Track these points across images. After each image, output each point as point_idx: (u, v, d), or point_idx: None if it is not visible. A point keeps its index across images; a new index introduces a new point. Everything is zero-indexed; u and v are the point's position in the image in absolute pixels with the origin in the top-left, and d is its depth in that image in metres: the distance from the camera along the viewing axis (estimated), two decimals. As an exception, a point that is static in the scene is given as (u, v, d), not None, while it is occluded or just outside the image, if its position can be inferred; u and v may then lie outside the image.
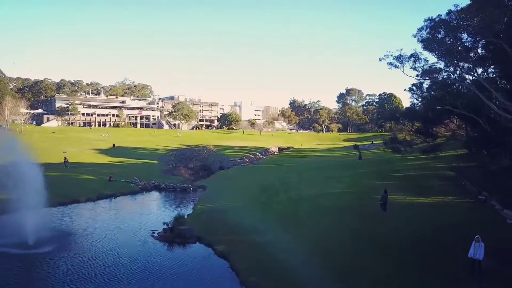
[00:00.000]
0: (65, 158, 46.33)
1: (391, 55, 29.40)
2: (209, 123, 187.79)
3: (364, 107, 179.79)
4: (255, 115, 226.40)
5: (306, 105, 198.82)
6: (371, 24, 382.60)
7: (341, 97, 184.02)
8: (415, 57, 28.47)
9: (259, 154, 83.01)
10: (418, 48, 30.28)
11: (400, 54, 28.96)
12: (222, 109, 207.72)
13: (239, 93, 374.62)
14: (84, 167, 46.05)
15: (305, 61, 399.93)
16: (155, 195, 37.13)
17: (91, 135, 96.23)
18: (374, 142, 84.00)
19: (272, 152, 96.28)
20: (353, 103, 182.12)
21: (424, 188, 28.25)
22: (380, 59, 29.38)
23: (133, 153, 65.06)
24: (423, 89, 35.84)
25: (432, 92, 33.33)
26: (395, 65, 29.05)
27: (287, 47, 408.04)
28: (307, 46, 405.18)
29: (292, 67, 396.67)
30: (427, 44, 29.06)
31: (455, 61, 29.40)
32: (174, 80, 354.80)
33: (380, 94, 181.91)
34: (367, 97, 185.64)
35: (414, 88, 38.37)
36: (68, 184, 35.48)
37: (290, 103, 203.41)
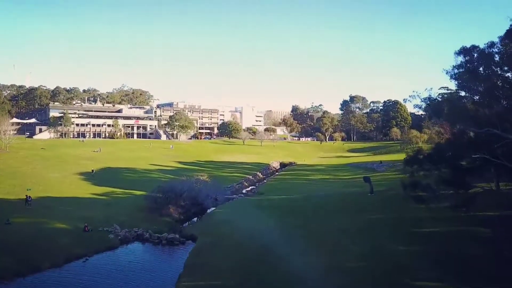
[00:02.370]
0: (28, 197, 40.57)
1: (418, 96, 24.05)
2: (208, 131, 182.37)
3: (369, 114, 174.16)
4: (256, 121, 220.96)
5: (308, 111, 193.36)
6: (373, 29, 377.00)
7: (345, 104, 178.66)
8: (450, 102, 23.06)
9: (260, 174, 77.70)
10: (451, 84, 24.78)
11: (429, 96, 23.57)
12: (223, 115, 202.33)
13: (240, 100, 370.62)
14: (60, 205, 40.64)
15: (308, 69, 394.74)
16: (136, 252, 31.76)
17: (82, 150, 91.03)
18: (382, 161, 78.16)
19: (274, 169, 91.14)
20: (357, 110, 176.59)
21: (461, 262, 22.82)
22: (405, 101, 24.06)
23: (121, 179, 59.67)
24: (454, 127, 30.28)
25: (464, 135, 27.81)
26: (424, 108, 23.65)
27: (288, 53, 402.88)
28: (308, 53, 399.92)
29: (295, 74, 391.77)
30: (462, 82, 23.68)
31: (498, 102, 23.99)
32: (174, 86, 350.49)
33: (384, 101, 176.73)
34: (371, 104, 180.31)
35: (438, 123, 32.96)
36: (33, 239, 30.09)
37: (292, 110, 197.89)
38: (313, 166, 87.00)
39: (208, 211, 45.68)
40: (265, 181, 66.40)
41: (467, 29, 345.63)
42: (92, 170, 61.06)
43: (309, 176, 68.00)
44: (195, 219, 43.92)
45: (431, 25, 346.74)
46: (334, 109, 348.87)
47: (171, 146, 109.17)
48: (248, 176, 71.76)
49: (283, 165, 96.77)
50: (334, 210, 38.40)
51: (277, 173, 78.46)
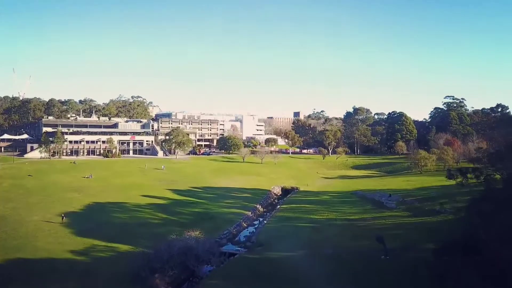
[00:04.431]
0: None
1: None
2: (208, 143, 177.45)
3: (373, 127, 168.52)
4: (257, 130, 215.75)
5: (311, 124, 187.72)
6: (375, 42, 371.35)
7: (349, 116, 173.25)
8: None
9: (260, 207, 72.42)
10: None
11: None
12: (223, 125, 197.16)
13: (241, 107, 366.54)
14: (27, 278, 34.99)
15: (310, 78, 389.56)
16: None
17: (72, 177, 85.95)
18: (391, 194, 72.62)
19: (275, 196, 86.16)
20: (360, 123, 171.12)
21: None
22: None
23: (107, 221, 54.32)
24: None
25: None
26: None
27: (290, 60, 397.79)
28: (310, 62, 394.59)
29: (297, 83, 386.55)
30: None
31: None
32: (173, 95, 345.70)
33: (389, 113, 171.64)
34: (375, 116, 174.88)
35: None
36: None
37: (293, 122, 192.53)
38: (316, 195, 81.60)
39: (201, 272, 40.70)
40: (265, 221, 60.87)
41: (468, 38, 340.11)
42: (62, 217, 53.68)
43: (313, 214, 62.33)
44: (186, 285, 38.93)
45: (434, 37, 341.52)
46: (336, 114, 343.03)
47: (162, 166, 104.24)
48: (247, 212, 66.30)
49: (285, 190, 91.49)
50: (344, 284, 33.14)
51: (278, 206, 72.78)
